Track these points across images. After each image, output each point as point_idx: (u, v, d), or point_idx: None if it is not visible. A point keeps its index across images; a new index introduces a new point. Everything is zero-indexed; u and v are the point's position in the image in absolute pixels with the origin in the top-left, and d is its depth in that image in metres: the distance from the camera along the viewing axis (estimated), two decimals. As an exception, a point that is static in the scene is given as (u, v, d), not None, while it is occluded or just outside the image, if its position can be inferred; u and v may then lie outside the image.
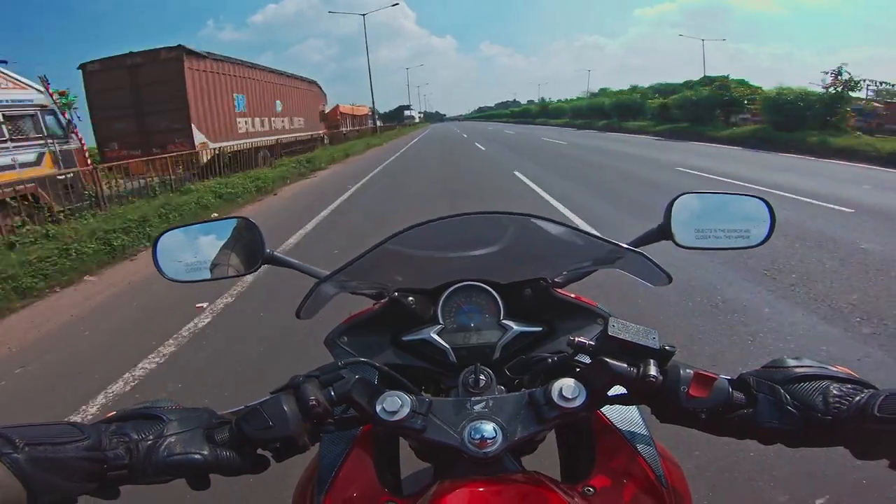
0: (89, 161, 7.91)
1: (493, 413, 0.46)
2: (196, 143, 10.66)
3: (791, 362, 0.45)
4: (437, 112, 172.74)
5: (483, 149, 17.43)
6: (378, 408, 0.45)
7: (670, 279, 0.60)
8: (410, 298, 0.65)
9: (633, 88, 30.48)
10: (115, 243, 5.24)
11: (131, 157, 9.63)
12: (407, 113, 77.51)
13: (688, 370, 0.44)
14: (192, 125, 10.75)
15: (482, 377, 0.52)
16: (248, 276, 0.75)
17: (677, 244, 0.69)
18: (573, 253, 0.66)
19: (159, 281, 0.77)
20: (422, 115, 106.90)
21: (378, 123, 36.30)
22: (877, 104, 13.17)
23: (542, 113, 51.88)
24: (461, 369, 0.56)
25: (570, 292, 0.69)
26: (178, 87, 10.54)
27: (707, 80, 22.95)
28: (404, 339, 0.64)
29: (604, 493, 0.50)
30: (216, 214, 6.84)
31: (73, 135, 7.65)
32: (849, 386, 0.42)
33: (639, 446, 0.54)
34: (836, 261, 3.54)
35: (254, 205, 8.31)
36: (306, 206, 7.55)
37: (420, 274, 0.68)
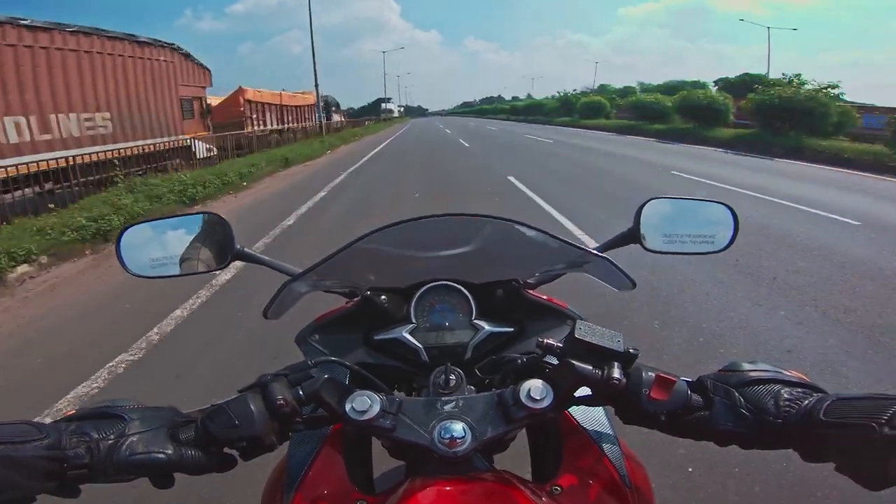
0: None
1: (462, 413, 0.46)
2: None
3: (746, 366, 0.46)
4: (419, 106, 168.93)
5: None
6: (347, 407, 0.45)
7: (634, 285, 0.62)
8: (383, 297, 0.65)
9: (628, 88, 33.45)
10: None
11: None
12: (385, 106, 71.21)
13: (650, 373, 0.46)
14: None
15: (452, 377, 0.53)
16: (218, 271, 0.73)
17: (645, 248, 0.71)
18: (544, 256, 0.67)
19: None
20: (402, 109, 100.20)
21: (340, 119, 30.21)
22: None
23: (528, 110, 51.36)
24: (433, 369, 0.56)
25: (542, 294, 0.70)
26: None
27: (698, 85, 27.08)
28: (376, 338, 0.64)
29: (570, 493, 0.51)
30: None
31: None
32: (799, 390, 0.43)
33: (604, 446, 0.55)
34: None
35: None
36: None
37: (393, 273, 0.68)
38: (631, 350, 0.46)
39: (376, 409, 0.45)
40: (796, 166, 10.05)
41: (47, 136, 7.52)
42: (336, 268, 0.61)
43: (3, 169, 5.96)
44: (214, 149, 11.69)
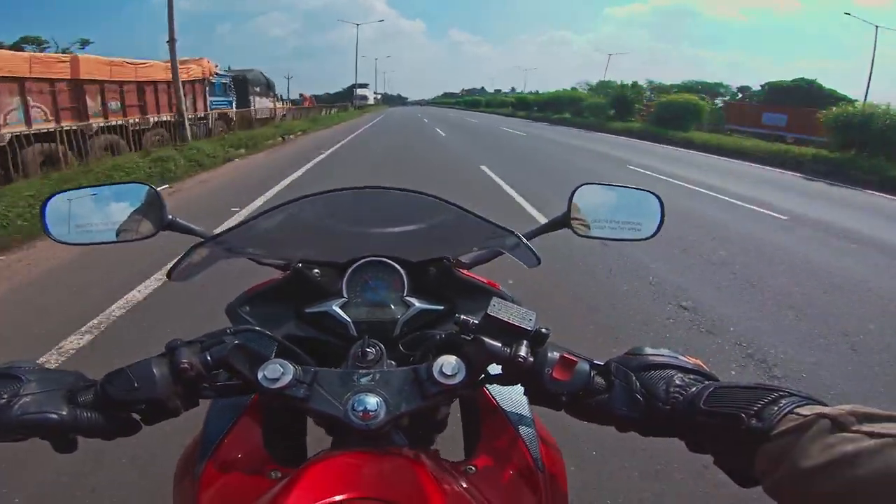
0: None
1: (378, 386, 0.47)
2: None
3: (648, 350, 0.46)
4: (398, 95, 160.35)
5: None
6: (259, 375, 0.45)
7: (539, 262, 0.64)
8: (316, 270, 0.65)
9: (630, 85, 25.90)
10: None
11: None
12: (360, 92, 59.17)
13: (555, 353, 0.46)
14: None
15: (372, 350, 0.53)
16: (149, 239, 0.71)
17: (575, 233, 0.73)
18: (472, 235, 0.68)
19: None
20: (378, 97, 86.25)
21: (273, 106, 18.48)
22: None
23: (550, 104, 43.05)
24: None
25: (479, 274, 0.72)
26: None
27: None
28: (307, 311, 0.64)
29: (483, 473, 0.51)
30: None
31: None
32: (691, 377, 0.42)
33: (520, 428, 0.56)
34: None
35: None
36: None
37: (328, 246, 0.68)
38: (542, 329, 0.47)
39: (288, 377, 0.45)
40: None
41: None
42: (263, 236, 0.60)
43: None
44: None
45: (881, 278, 3.76)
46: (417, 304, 0.64)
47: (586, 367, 0.46)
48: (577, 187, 0.72)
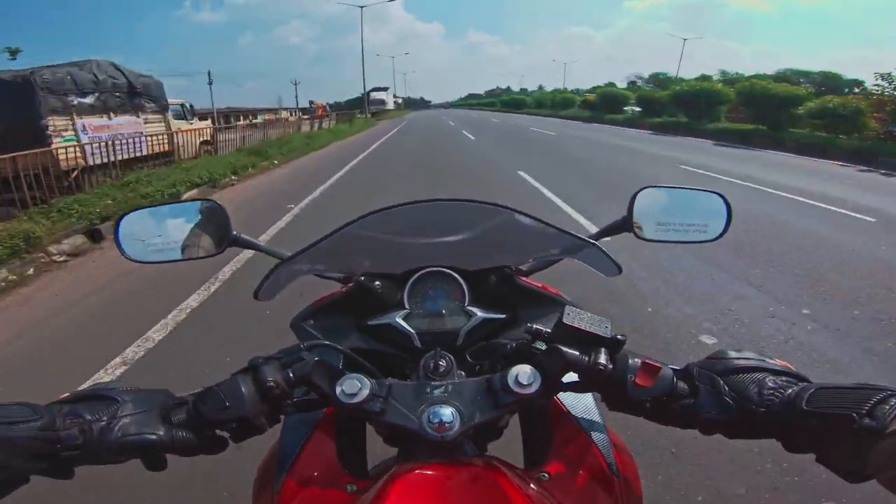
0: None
1: (451, 398, 0.47)
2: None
3: (732, 354, 0.46)
4: (421, 98, 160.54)
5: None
6: (337, 390, 0.46)
7: (620, 270, 0.62)
8: (377, 283, 0.65)
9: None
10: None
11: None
12: (376, 96, 50.51)
13: (636, 359, 0.46)
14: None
15: (442, 362, 0.53)
16: (217, 256, 0.74)
17: (638, 237, 0.71)
18: (536, 243, 0.68)
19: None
20: (400, 102, 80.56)
21: (167, 125, 9.52)
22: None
23: (537, 104, 40.63)
24: (425, 354, 0.57)
25: (537, 281, 0.71)
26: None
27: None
28: (370, 323, 0.64)
29: (558, 480, 0.51)
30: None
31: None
32: (783, 379, 0.43)
33: (593, 434, 0.56)
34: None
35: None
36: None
37: (388, 259, 0.69)
38: (619, 336, 0.47)
39: (366, 392, 0.46)
40: None
41: None
42: (329, 252, 0.61)
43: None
44: None
45: None
46: (479, 313, 0.64)
47: (669, 372, 0.46)
48: (638, 191, 0.71)
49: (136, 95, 8.95)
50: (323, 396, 0.47)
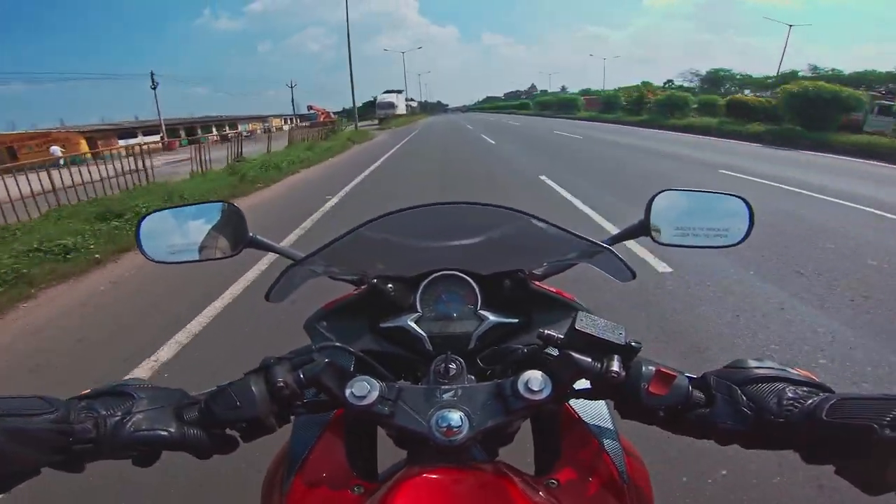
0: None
1: (460, 402, 0.46)
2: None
3: (751, 363, 0.45)
4: (438, 102, 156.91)
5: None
6: (347, 392, 0.46)
7: (634, 275, 0.61)
8: (390, 285, 0.65)
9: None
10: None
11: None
12: (384, 99, 43.36)
13: (650, 367, 0.45)
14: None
15: (453, 366, 0.53)
16: (233, 257, 0.75)
17: (655, 241, 0.69)
18: (552, 247, 0.67)
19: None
20: (414, 105, 72.74)
21: None
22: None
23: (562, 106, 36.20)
24: (436, 358, 0.56)
25: (551, 286, 0.70)
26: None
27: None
28: (382, 326, 0.64)
29: (567, 487, 0.50)
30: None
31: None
32: (804, 389, 0.42)
33: (604, 441, 0.55)
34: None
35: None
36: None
37: (401, 261, 0.69)
38: (633, 343, 0.46)
39: (375, 394, 0.45)
40: None
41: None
42: (341, 254, 0.61)
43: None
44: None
45: None
46: (491, 317, 0.63)
47: (685, 381, 0.45)
48: (657, 193, 0.69)
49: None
50: (333, 398, 0.47)
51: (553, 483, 0.50)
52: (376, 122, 32.80)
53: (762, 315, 2.82)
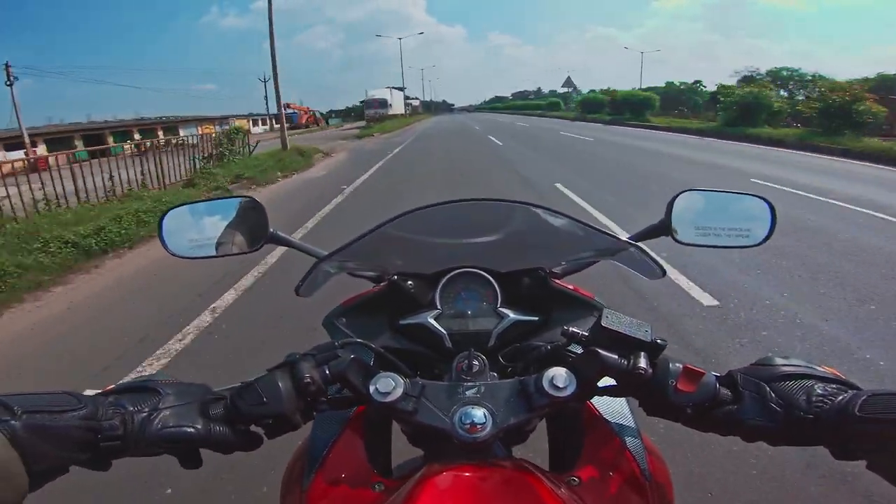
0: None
1: (484, 399, 0.46)
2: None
3: (779, 361, 0.45)
4: (444, 101, 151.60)
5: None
6: (371, 388, 0.46)
7: (664, 273, 0.61)
8: (409, 283, 0.65)
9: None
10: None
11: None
12: (373, 96, 36.59)
13: (677, 364, 0.45)
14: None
15: (475, 363, 0.53)
16: (251, 253, 0.75)
17: (677, 241, 0.69)
18: (573, 244, 0.67)
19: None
20: (415, 104, 65.27)
21: None
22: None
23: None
24: (456, 355, 0.56)
25: (569, 283, 0.70)
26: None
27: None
28: (402, 322, 0.65)
29: (589, 484, 0.50)
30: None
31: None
32: (833, 386, 0.42)
33: (626, 439, 0.55)
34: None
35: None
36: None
37: (420, 258, 0.69)
38: (659, 341, 0.46)
39: (399, 391, 0.45)
40: None
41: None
42: (363, 251, 0.61)
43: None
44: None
45: None
46: (511, 315, 0.63)
47: (712, 378, 0.45)
48: (678, 193, 0.69)
49: None
50: (357, 394, 0.47)
51: (574, 480, 0.50)
52: (363, 123, 27.53)
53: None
